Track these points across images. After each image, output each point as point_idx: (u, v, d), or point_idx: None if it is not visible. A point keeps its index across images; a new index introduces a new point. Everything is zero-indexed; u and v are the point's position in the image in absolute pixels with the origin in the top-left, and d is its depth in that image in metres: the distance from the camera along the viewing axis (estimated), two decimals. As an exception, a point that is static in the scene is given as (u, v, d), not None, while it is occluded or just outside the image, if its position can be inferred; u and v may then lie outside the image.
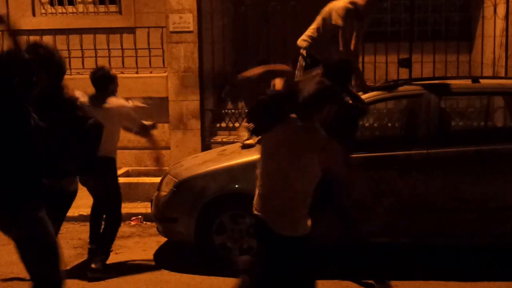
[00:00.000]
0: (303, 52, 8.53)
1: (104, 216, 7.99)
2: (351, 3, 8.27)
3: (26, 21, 13.65)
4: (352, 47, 8.32)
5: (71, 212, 9.83)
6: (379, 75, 11.56)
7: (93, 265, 7.62)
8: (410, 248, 7.85)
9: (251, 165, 7.28)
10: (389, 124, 10.94)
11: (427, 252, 7.85)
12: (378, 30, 10.49)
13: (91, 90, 8.20)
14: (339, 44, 8.21)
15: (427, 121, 7.51)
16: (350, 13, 8.23)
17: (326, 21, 8.38)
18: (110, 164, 7.84)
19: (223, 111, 12.46)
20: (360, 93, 7.83)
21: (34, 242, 5.20)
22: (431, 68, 11.52)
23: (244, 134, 8.43)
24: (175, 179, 7.88)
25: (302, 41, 8.59)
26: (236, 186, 7.47)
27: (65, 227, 9.55)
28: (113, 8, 13.69)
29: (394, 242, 7.56)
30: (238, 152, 8.09)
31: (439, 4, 13.29)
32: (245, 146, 8.18)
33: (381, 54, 11.47)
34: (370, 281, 7.09)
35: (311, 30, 8.55)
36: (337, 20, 8.18)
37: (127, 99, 8.11)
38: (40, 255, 5.24)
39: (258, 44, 13.48)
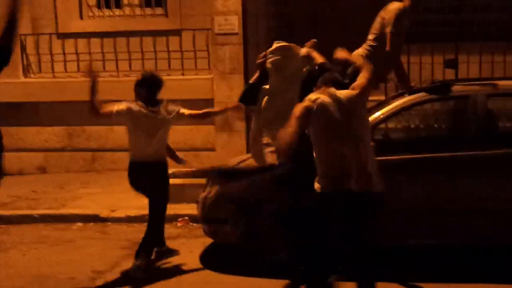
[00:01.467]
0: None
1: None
2: (402, 6, 8.28)
3: (74, 24, 13.83)
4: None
5: (118, 213, 9.99)
6: (425, 76, 11.48)
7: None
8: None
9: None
10: (436, 126, 10.86)
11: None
12: (424, 31, 10.40)
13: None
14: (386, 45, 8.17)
15: (474, 122, 7.46)
16: (401, 15, 8.22)
17: (382, 29, 8.34)
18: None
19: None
20: (405, 94, 7.83)
21: None
22: (477, 69, 11.42)
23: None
24: (221, 181, 7.91)
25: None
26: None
27: (113, 228, 9.66)
28: (159, 10, 13.80)
29: (442, 244, 7.51)
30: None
31: (487, 5, 13.16)
32: None
33: (427, 55, 11.40)
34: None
35: (367, 44, 8.48)
36: (388, 27, 8.16)
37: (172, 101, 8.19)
38: None
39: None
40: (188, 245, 8.79)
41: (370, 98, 9.34)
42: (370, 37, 8.47)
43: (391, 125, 10.20)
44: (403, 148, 7.90)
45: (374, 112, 7.68)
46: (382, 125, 8.13)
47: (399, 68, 8.38)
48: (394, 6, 8.29)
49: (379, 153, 7.05)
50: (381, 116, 7.61)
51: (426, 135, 10.96)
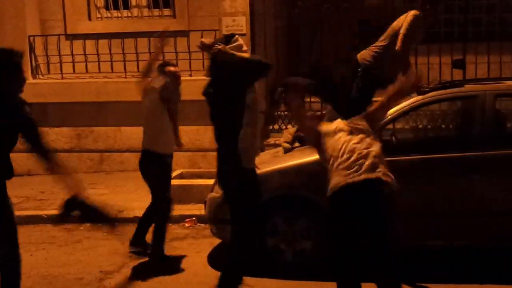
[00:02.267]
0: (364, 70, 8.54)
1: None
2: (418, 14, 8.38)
3: (82, 26, 13.88)
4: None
5: (126, 214, 10.00)
6: (432, 76, 11.47)
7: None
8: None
9: (304, 167, 7.31)
10: (443, 126, 10.85)
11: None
12: (432, 31, 10.38)
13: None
14: (397, 44, 8.23)
15: (482, 122, 7.45)
16: (418, 21, 8.30)
17: (394, 33, 8.41)
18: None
19: (276, 113, 12.48)
20: (413, 95, 7.83)
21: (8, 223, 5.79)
22: (485, 69, 11.41)
23: (287, 136, 8.47)
24: (228, 181, 7.90)
25: (363, 59, 8.58)
26: (289, 188, 7.46)
27: (119, 229, 9.66)
28: (167, 11, 13.84)
29: (449, 245, 7.50)
30: (291, 154, 8.10)
31: (493, 5, 13.15)
32: (286, 150, 8.24)
33: (435, 55, 11.39)
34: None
35: (377, 47, 8.52)
36: (402, 29, 8.24)
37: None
38: (9, 235, 5.84)
39: (311, 47, 13.48)
40: (195, 245, 8.81)
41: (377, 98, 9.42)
42: (381, 38, 8.51)
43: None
44: (411, 149, 7.88)
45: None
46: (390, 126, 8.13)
47: (408, 70, 8.39)
48: (411, 12, 8.39)
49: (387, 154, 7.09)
50: (389, 117, 7.59)
51: (434, 135, 10.94)
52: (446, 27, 12.65)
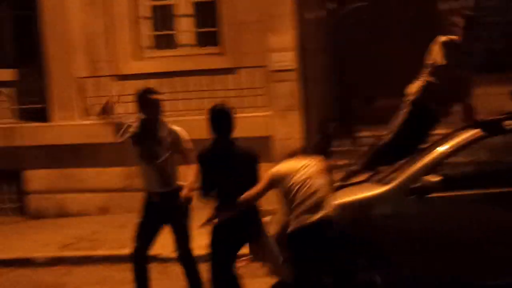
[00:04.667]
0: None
1: None
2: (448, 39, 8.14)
3: (130, 66, 13.91)
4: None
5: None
6: (492, 107, 11.26)
7: None
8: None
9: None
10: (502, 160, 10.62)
11: None
12: (491, 60, 10.21)
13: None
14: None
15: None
16: (449, 47, 8.07)
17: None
18: None
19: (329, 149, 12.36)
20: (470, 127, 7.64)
21: None
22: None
23: None
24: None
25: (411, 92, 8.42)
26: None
27: (173, 269, 9.55)
28: (215, 49, 13.81)
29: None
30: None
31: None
32: None
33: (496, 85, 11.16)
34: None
35: (422, 77, 8.33)
36: (436, 58, 8.05)
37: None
38: None
39: (361, 79, 13.38)
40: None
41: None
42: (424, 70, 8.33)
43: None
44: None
45: (441, 145, 7.51)
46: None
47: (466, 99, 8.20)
48: (438, 40, 8.15)
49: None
50: (449, 150, 7.42)
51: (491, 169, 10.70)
52: (506, 55, 12.43)
